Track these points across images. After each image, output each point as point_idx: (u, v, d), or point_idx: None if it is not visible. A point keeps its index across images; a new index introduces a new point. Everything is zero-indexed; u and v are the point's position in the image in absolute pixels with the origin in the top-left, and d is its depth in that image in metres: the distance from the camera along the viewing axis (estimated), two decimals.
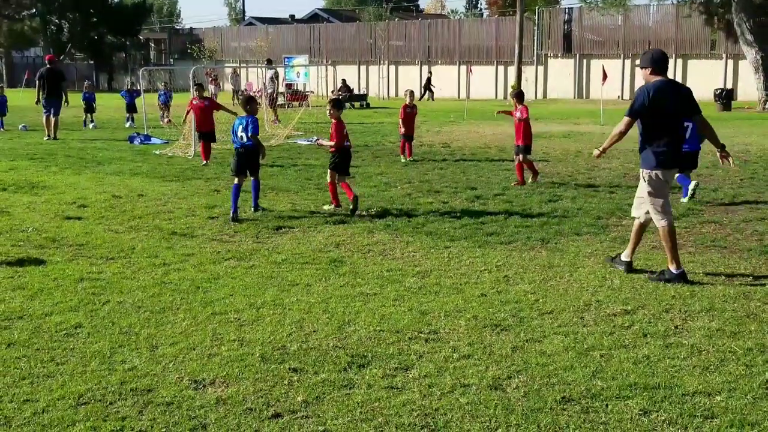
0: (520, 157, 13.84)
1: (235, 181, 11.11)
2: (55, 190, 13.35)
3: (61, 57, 65.48)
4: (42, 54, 60.19)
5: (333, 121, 11.52)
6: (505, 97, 48.68)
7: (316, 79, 42.92)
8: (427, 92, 49.11)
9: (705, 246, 9.17)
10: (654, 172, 7.80)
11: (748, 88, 39.40)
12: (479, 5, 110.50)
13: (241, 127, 11.19)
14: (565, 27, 50.33)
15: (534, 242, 9.38)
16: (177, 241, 9.57)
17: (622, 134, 7.98)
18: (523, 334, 6.18)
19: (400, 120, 17.67)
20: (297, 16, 78.65)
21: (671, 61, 45.21)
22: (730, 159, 8.17)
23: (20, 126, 26.08)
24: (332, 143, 11.46)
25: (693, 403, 4.92)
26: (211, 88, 40.80)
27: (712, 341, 6.01)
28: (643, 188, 7.97)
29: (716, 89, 37.92)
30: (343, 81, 43.92)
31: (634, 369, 5.45)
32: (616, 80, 44.64)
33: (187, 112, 18.05)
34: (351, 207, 11.20)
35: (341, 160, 11.51)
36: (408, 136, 17.63)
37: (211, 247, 9.21)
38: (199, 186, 13.86)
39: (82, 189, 13.52)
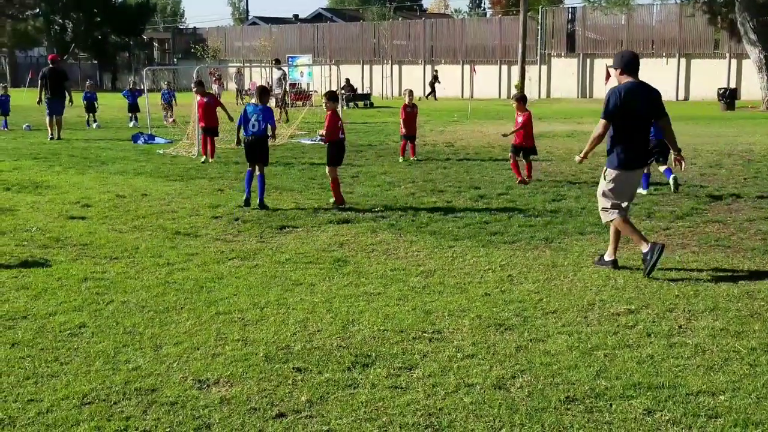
0: (520, 156, 14.08)
1: (248, 167, 11.88)
2: (59, 190, 13.36)
3: (65, 57, 65.54)
4: (46, 54, 60.32)
5: (328, 112, 11.86)
6: (509, 96, 48.70)
7: (319, 79, 42.88)
8: (432, 91, 49.07)
9: (709, 245, 9.16)
10: (617, 172, 7.98)
11: (752, 88, 39.35)
12: (482, 5, 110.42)
13: (254, 116, 11.78)
14: (569, 26, 50.29)
15: (538, 242, 9.37)
16: (181, 240, 9.58)
17: (601, 137, 8.07)
18: (527, 334, 6.18)
19: (401, 120, 17.64)
20: (300, 16, 78.63)
21: (674, 61, 45.29)
22: (683, 163, 8.43)
23: (24, 126, 26.10)
24: (323, 132, 11.87)
25: (697, 402, 4.91)
26: (215, 87, 40.86)
27: (716, 341, 6.00)
28: (602, 186, 8.17)
29: (720, 89, 37.89)
30: (347, 80, 43.92)
31: (638, 368, 5.45)
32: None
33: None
34: (331, 201, 11.79)
35: (335, 152, 11.85)
36: (409, 137, 17.57)
37: (215, 247, 9.22)
38: (203, 185, 13.88)
39: (86, 189, 13.53)
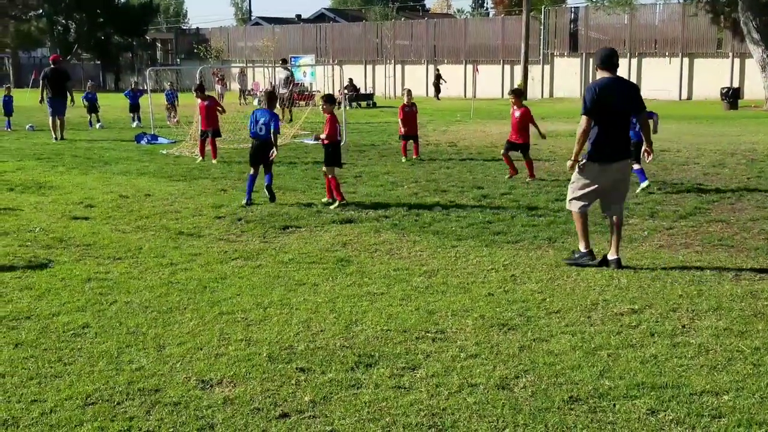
0: (520, 151, 14.42)
1: (251, 171, 12.08)
2: (63, 190, 13.38)
3: (68, 57, 65.70)
4: (49, 54, 60.42)
5: (327, 115, 12.07)
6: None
7: (322, 79, 42.97)
8: (437, 90, 49.06)
9: (712, 245, 9.15)
10: (589, 163, 8.15)
11: (755, 87, 39.31)
12: (485, 4, 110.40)
13: (263, 120, 11.97)
14: (572, 26, 50.26)
15: (541, 241, 9.37)
16: (184, 240, 9.59)
17: (586, 133, 8.13)
18: (530, 334, 6.18)
19: (400, 120, 17.63)
20: (303, 16, 78.59)
21: (677, 60, 45.24)
22: (651, 156, 8.79)
23: (27, 126, 26.13)
24: (325, 135, 12.04)
25: (700, 402, 4.91)
26: (218, 88, 40.86)
27: (719, 340, 5.99)
28: (573, 176, 8.34)
29: (723, 88, 37.85)
30: (350, 80, 43.94)
31: (641, 368, 5.44)
32: None
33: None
34: (327, 201, 11.92)
35: (334, 153, 12.05)
36: (408, 136, 17.55)
37: (218, 247, 9.22)
38: (206, 185, 13.88)
39: (89, 189, 13.55)
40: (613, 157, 8.13)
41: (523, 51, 46.98)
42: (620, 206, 8.33)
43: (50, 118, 22.71)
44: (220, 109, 17.96)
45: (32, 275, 7.97)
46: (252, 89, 46.85)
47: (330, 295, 7.27)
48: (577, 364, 5.52)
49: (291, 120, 27.00)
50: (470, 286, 7.54)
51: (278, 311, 6.81)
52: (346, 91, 32.57)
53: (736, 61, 43.33)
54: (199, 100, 17.60)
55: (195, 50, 61.47)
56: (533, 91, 47.54)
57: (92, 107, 27.36)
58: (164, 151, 19.33)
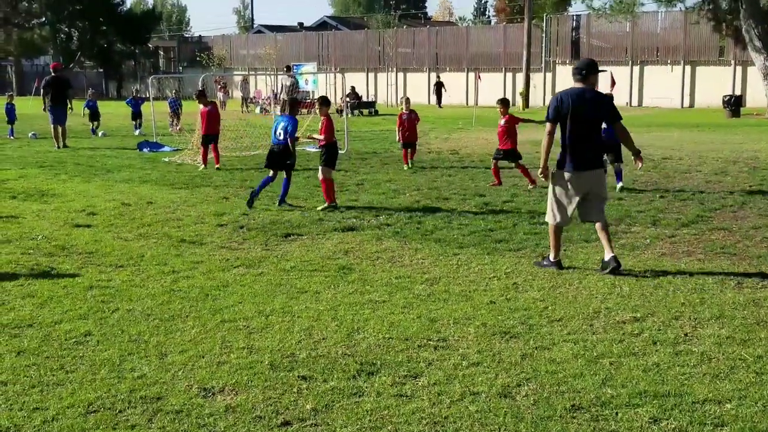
0: (507, 162, 14.70)
1: (269, 173, 12.42)
2: (65, 198, 13.39)
3: (71, 65, 65.85)
4: (52, 62, 60.52)
5: (323, 118, 12.33)
6: (514, 104, 48.69)
7: (324, 87, 42.95)
8: (437, 97, 49.10)
9: (714, 253, 9.14)
10: (558, 171, 8.29)
11: (757, 95, 39.30)
12: (487, 12, 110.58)
13: (281, 125, 12.15)
14: (573, 34, 50.29)
15: (543, 249, 9.36)
16: (186, 248, 9.59)
17: (549, 141, 8.28)
18: (532, 342, 6.17)
19: (398, 129, 17.67)
20: (305, 24, 78.75)
21: (679, 68, 45.26)
22: (640, 163, 8.62)
23: (30, 134, 26.18)
24: (321, 137, 12.31)
25: (703, 411, 4.90)
26: (220, 95, 40.92)
27: (722, 349, 5.99)
28: (549, 188, 8.49)
29: (725, 96, 37.83)
30: (352, 88, 43.98)
31: (643, 377, 5.44)
32: (624, 87, 44.56)
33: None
34: (324, 207, 12.02)
35: (334, 154, 12.33)
36: (407, 144, 17.59)
37: (220, 255, 9.22)
38: (208, 193, 13.90)
39: (92, 197, 13.56)
40: (582, 166, 8.23)
41: (525, 59, 47.03)
42: (601, 214, 8.44)
43: (52, 127, 22.75)
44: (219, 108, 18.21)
45: (34, 283, 7.98)
46: (254, 97, 46.92)
47: (332, 303, 7.27)
48: (579, 373, 5.51)
49: None
50: (472, 294, 7.53)
51: (280, 319, 6.81)
52: (348, 99, 32.62)
53: (738, 69, 43.34)
54: (201, 106, 17.75)
55: (197, 58, 61.52)
56: (535, 99, 47.55)
57: (93, 115, 27.41)
58: (166, 159, 19.35)
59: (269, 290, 7.72)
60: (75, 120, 25.53)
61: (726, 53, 44.01)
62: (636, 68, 46.75)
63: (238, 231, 10.59)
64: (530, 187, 14.08)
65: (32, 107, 35.42)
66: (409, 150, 17.63)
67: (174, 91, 30.38)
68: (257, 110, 41.10)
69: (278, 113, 23.18)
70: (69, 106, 23.29)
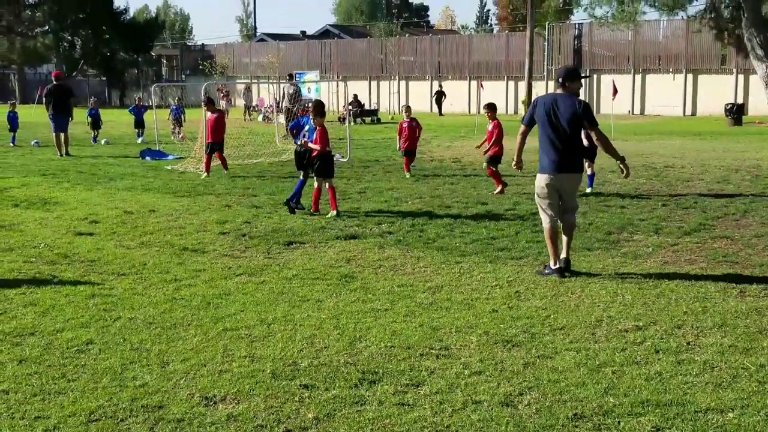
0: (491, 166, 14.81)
1: (301, 176, 12.70)
2: (67, 206, 13.41)
3: (74, 73, 66.04)
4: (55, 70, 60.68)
5: (317, 128, 12.29)
6: (516, 112, 48.76)
7: (327, 95, 43.02)
8: (438, 106, 49.13)
9: (717, 261, 9.13)
10: (538, 175, 8.63)
11: (759, 104, 39.27)
12: (489, 21, 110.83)
13: (308, 126, 12.43)
14: (575, 42, 50.37)
15: (545, 257, 9.34)
16: (188, 256, 9.59)
17: (521, 141, 8.86)
18: (534, 350, 6.16)
19: (398, 137, 17.70)
20: (308, 32, 78.82)
21: (681, 76, 45.31)
22: (627, 171, 8.81)
23: (32, 142, 26.22)
24: (317, 147, 12.25)
25: (706, 420, 4.89)
26: (223, 103, 40.97)
27: (724, 357, 5.97)
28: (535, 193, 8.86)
29: (727, 104, 37.87)
30: (355, 96, 44.02)
31: (646, 385, 5.43)
32: (626, 95, 44.62)
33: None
34: (334, 214, 12.09)
35: (325, 165, 12.33)
36: (407, 151, 17.60)
37: (222, 263, 9.22)
38: (211, 201, 13.90)
39: (94, 205, 13.57)
40: (559, 168, 8.48)
41: (527, 67, 47.02)
42: (573, 215, 8.77)
43: (54, 135, 22.78)
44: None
45: (36, 291, 7.98)
46: (257, 105, 47.00)
47: (334, 312, 7.27)
48: (581, 381, 5.51)
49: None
50: (474, 303, 7.53)
51: (282, 327, 6.80)
52: (350, 107, 32.66)
53: (740, 77, 43.38)
54: (208, 113, 17.80)
55: (200, 66, 61.62)
56: None
57: (95, 123, 27.46)
58: (169, 167, 19.37)
59: (271, 299, 7.72)
60: (78, 128, 25.56)
61: (728, 62, 44.05)
62: (638, 76, 46.82)
63: (241, 239, 10.59)
64: (496, 191, 14.44)
65: (35, 115, 35.50)
66: (407, 158, 17.66)
67: (177, 99, 30.42)
68: (260, 118, 41.18)
69: (281, 121, 23.20)
70: (70, 115, 23.28)
